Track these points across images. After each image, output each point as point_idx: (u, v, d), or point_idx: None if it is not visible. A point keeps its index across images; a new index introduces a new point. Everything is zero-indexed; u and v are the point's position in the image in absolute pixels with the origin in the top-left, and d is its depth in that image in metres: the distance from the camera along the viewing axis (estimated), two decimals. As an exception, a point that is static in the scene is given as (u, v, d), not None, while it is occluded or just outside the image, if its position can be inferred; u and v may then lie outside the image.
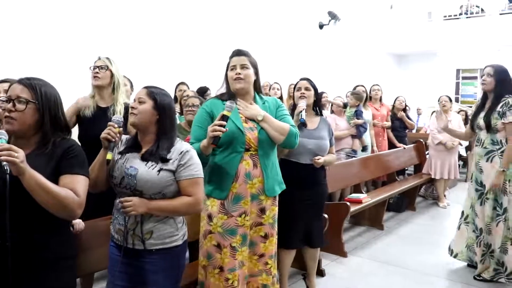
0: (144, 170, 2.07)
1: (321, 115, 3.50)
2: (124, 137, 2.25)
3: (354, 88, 6.23)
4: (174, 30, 7.38)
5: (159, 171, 2.07)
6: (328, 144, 3.40)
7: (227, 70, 2.69)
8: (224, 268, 2.61)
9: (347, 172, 5.25)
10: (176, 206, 2.10)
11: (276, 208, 2.78)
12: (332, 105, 6.22)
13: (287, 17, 9.54)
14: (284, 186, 2.82)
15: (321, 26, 10.54)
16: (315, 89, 3.41)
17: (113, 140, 2.09)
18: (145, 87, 2.19)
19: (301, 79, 3.44)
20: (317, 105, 3.47)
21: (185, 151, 2.13)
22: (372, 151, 6.15)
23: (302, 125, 3.23)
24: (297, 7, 9.76)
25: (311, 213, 3.42)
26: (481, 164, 3.85)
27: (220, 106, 2.59)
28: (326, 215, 3.87)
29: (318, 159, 3.27)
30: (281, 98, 6.41)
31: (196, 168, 2.15)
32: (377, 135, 6.46)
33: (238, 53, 2.68)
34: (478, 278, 3.90)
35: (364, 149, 5.84)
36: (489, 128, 3.77)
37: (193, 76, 6.63)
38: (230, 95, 2.65)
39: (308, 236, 3.45)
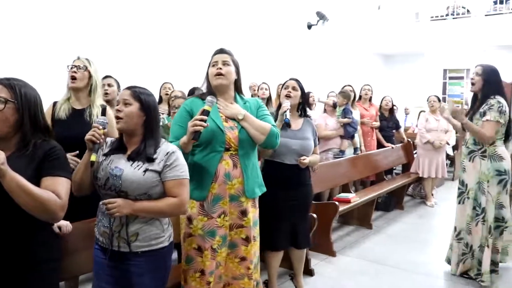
0: (129, 170, 2.04)
1: (306, 116, 3.48)
2: (108, 139, 2.21)
3: (342, 88, 6.25)
4: (160, 29, 7.34)
5: (144, 171, 2.04)
6: (312, 144, 3.39)
7: (208, 67, 2.66)
8: (205, 271, 2.56)
9: (336, 172, 5.26)
10: (161, 207, 2.07)
11: (257, 211, 2.73)
12: (325, 104, 6.22)
13: (276, 18, 9.55)
14: (264, 189, 2.77)
15: (309, 26, 10.57)
16: (302, 91, 3.40)
17: (98, 141, 2.06)
18: (128, 88, 2.15)
19: (290, 79, 3.43)
20: (303, 107, 3.45)
21: (171, 152, 2.11)
22: (360, 150, 6.17)
23: (286, 125, 3.22)
24: (285, 8, 9.77)
25: (297, 214, 3.40)
26: (465, 164, 3.86)
27: (200, 105, 2.53)
28: (314, 215, 3.88)
29: (303, 160, 3.26)
30: (269, 98, 6.41)
31: (182, 169, 2.12)
32: (366, 135, 6.48)
33: (220, 51, 2.65)
34: (465, 276, 3.92)
35: (355, 150, 5.83)
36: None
37: (180, 76, 6.61)
38: (210, 93, 2.58)
39: (294, 237, 3.43)
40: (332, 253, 4.49)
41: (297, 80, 3.41)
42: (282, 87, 3.48)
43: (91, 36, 6.18)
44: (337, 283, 3.89)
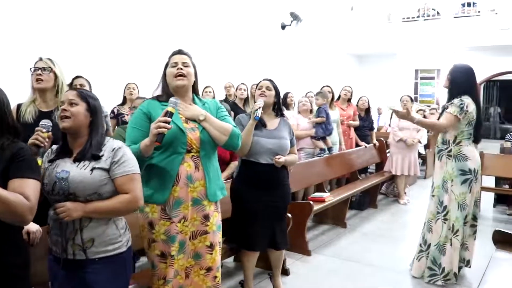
0: (76, 171, 1.97)
1: (282, 116, 3.48)
2: (54, 146, 2.14)
3: (321, 89, 6.28)
4: (126, 29, 7.18)
5: (91, 170, 1.98)
6: (289, 143, 3.39)
7: (166, 67, 2.60)
8: (167, 278, 2.49)
9: (310, 171, 5.28)
10: (114, 205, 2.00)
11: (219, 215, 2.67)
12: (298, 104, 6.24)
13: (250, 18, 9.54)
14: (225, 192, 2.71)
15: (283, 27, 10.60)
16: (277, 91, 3.39)
17: (42, 145, 2.00)
18: (73, 89, 2.12)
19: (264, 79, 3.42)
20: (278, 107, 3.45)
21: (117, 148, 2.05)
22: (340, 149, 6.23)
23: (261, 125, 3.23)
24: (259, 8, 9.78)
25: (274, 214, 3.37)
26: (436, 164, 3.92)
27: (158, 107, 2.48)
28: (289, 215, 3.88)
29: (278, 158, 3.25)
30: (247, 98, 6.41)
31: (131, 164, 2.07)
32: (343, 134, 6.54)
33: (179, 51, 2.60)
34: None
35: (329, 150, 5.84)
36: None
37: (145, 77, 6.51)
38: (168, 95, 2.53)
39: (272, 238, 3.42)
40: (307, 252, 4.50)
41: (270, 80, 3.40)
42: (256, 88, 3.47)
43: (54, 37, 6.00)
44: (312, 282, 3.90)
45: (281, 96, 3.70)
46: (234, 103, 6.22)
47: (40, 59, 2.90)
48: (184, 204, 2.47)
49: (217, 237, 2.63)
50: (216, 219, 2.61)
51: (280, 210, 3.44)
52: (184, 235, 2.50)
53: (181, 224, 2.48)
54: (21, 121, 2.81)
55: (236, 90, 6.56)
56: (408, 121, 3.89)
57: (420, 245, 3.94)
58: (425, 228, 3.92)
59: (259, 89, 3.37)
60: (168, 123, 2.29)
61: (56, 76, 2.88)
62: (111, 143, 2.09)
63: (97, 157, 2.00)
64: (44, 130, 2.02)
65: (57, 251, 2.02)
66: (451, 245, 3.74)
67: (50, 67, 2.86)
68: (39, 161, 2.00)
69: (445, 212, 3.75)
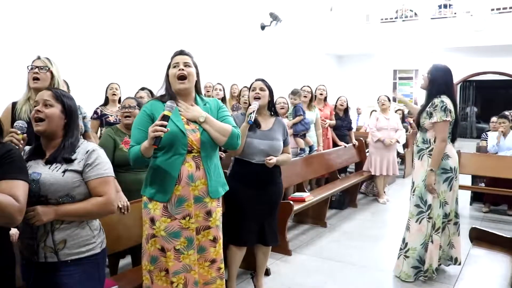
0: (47, 173, 1.94)
1: (277, 115, 3.51)
2: (26, 147, 2.11)
3: (301, 88, 6.28)
4: (108, 29, 7.13)
5: (64, 172, 1.95)
6: (281, 144, 3.43)
7: (168, 68, 2.64)
8: (169, 271, 2.56)
9: (290, 171, 5.28)
10: (86, 208, 1.97)
11: (221, 210, 2.75)
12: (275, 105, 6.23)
13: (229, 18, 9.53)
14: (227, 187, 2.79)
15: (262, 27, 10.61)
16: (270, 90, 3.42)
17: (17, 147, 1.96)
18: (49, 89, 2.08)
19: (256, 80, 3.45)
20: (273, 105, 3.48)
21: (91, 150, 2.03)
22: (318, 150, 6.24)
23: (256, 126, 3.28)
24: (239, 8, 9.77)
25: (265, 211, 3.42)
26: (415, 162, 3.94)
27: (160, 107, 2.53)
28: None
29: (269, 159, 3.29)
30: (223, 98, 6.39)
31: (105, 167, 2.05)
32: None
33: (181, 52, 2.66)
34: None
35: (310, 148, 5.85)
36: (419, 127, 3.90)
37: (128, 77, 6.46)
38: (171, 95, 2.60)
39: (261, 234, 3.46)
40: (287, 252, 4.51)
41: (263, 80, 3.43)
42: (249, 90, 3.49)
43: (36, 37, 5.93)
44: (293, 282, 3.91)
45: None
46: None
47: (38, 57, 2.92)
48: (187, 202, 2.54)
49: (219, 232, 2.71)
50: (218, 215, 2.69)
51: (271, 207, 3.49)
52: (191, 231, 2.56)
53: (186, 220, 2.55)
54: (16, 119, 2.82)
55: (212, 90, 6.54)
56: (432, 177, 3.74)
57: (401, 243, 3.97)
58: (405, 228, 3.96)
59: (252, 90, 3.40)
60: (165, 126, 2.34)
61: (52, 76, 2.89)
62: (85, 145, 2.06)
63: (69, 160, 1.98)
64: (19, 132, 1.99)
65: (28, 255, 1.98)
66: (432, 242, 3.79)
67: (48, 67, 2.88)
68: None
69: (429, 211, 3.79)
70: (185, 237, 2.56)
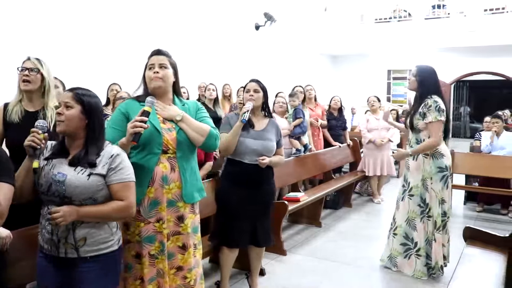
0: (73, 175, 1.97)
1: (271, 116, 3.50)
2: (49, 143, 2.12)
3: (293, 89, 6.30)
4: (108, 30, 7.14)
5: (89, 175, 1.98)
6: (274, 145, 3.41)
7: (145, 69, 2.57)
8: (144, 278, 2.47)
9: (285, 171, 5.28)
10: (107, 211, 2.02)
11: (196, 217, 2.65)
12: (273, 105, 6.22)
13: (223, 18, 9.52)
14: (204, 194, 2.69)
15: (257, 27, 10.62)
16: (264, 91, 3.40)
17: (38, 147, 1.96)
18: (70, 90, 2.07)
19: (251, 81, 3.43)
20: (267, 106, 3.47)
21: (115, 155, 2.06)
22: (310, 150, 6.24)
23: (249, 126, 3.27)
24: (233, 8, 9.77)
25: (257, 212, 3.41)
26: (409, 162, 3.97)
27: (137, 107, 2.46)
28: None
29: (262, 159, 3.28)
30: (216, 99, 6.39)
31: (127, 172, 2.08)
32: (312, 134, 6.55)
33: (157, 52, 2.56)
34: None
35: (305, 147, 5.85)
36: (412, 128, 3.93)
37: (127, 77, 6.43)
38: (148, 96, 2.49)
39: (253, 235, 3.44)
40: (282, 252, 4.51)
41: (257, 81, 3.41)
42: (243, 91, 3.48)
43: (36, 37, 5.92)
44: (288, 282, 3.91)
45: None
46: (203, 104, 6.18)
47: (28, 58, 2.84)
48: (160, 205, 2.46)
49: (192, 239, 2.60)
50: (192, 221, 2.59)
51: (264, 208, 3.47)
52: (162, 236, 2.49)
53: (159, 224, 2.48)
54: (7, 120, 2.80)
55: (205, 91, 6.52)
56: (405, 156, 4.00)
57: (405, 243, 3.99)
58: (408, 227, 3.97)
59: (246, 92, 3.38)
60: (145, 122, 2.27)
61: (43, 77, 2.83)
62: (109, 149, 2.08)
63: (93, 165, 2.00)
64: (40, 132, 1.97)
65: (50, 249, 2.02)
66: (435, 240, 3.85)
67: (38, 68, 2.81)
68: (36, 163, 1.97)
69: (427, 210, 3.86)
70: (159, 241, 2.48)
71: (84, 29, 6.77)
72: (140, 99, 2.52)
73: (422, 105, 3.81)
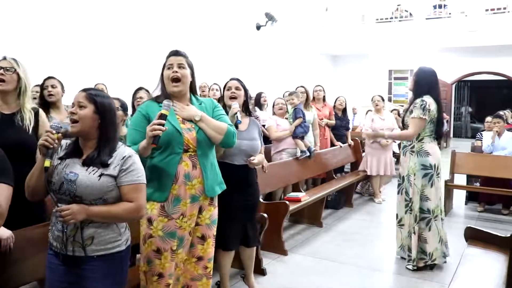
0: (84, 175, 1.99)
1: (250, 115, 3.50)
2: (63, 142, 2.13)
3: (296, 89, 6.28)
4: (100, 29, 7.11)
5: (100, 176, 2.00)
6: (259, 144, 3.43)
7: (163, 69, 2.64)
8: (164, 274, 2.55)
9: (287, 171, 5.29)
10: (117, 212, 2.03)
11: (214, 209, 2.75)
12: (273, 106, 6.21)
13: (225, 18, 9.54)
14: (224, 186, 2.80)
15: (258, 27, 10.62)
16: (245, 90, 3.40)
17: (52, 146, 1.98)
18: (84, 90, 2.08)
19: (231, 79, 3.42)
20: (247, 106, 3.46)
21: (127, 156, 2.07)
22: (315, 150, 6.22)
23: (235, 126, 3.23)
24: (234, 8, 9.78)
25: (247, 213, 3.42)
26: (401, 159, 4.18)
27: (156, 108, 2.53)
28: (265, 215, 3.92)
29: (253, 160, 3.29)
30: (220, 98, 6.37)
31: (139, 174, 2.09)
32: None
33: (175, 53, 2.65)
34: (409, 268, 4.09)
35: (309, 150, 5.82)
36: (404, 125, 4.12)
37: (124, 77, 6.45)
38: (166, 96, 2.59)
39: (244, 236, 3.45)
40: (283, 252, 4.51)
41: (238, 80, 3.41)
42: (224, 88, 3.46)
43: (31, 37, 5.92)
44: (289, 282, 3.91)
45: (254, 96, 3.72)
46: None
47: (4, 58, 2.78)
48: (182, 201, 2.55)
49: (211, 231, 2.72)
50: (210, 213, 2.71)
51: (252, 208, 3.49)
52: (183, 230, 2.59)
53: (180, 220, 2.56)
54: None
55: (208, 90, 6.53)
56: (380, 137, 4.29)
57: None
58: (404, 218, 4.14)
59: (227, 89, 3.37)
60: (163, 125, 2.34)
61: (19, 78, 2.76)
62: (121, 150, 2.09)
63: (106, 165, 2.01)
64: (54, 132, 1.99)
65: (58, 246, 2.03)
66: (414, 233, 4.00)
67: (14, 68, 2.74)
68: (48, 162, 1.98)
69: (410, 204, 4.03)
70: (178, 237, 2.58)
71: (80, 30, 6.78)
72: (158, 100, 2.59)
73: (412, 103, 3.98)
